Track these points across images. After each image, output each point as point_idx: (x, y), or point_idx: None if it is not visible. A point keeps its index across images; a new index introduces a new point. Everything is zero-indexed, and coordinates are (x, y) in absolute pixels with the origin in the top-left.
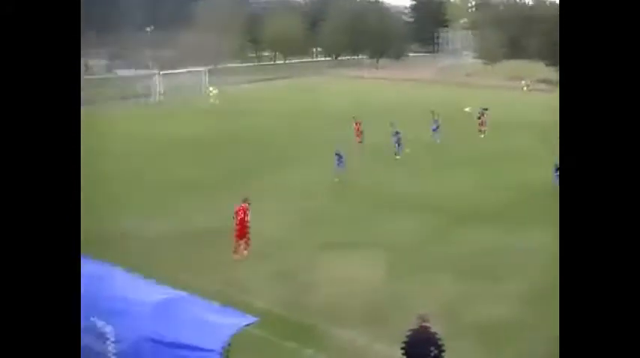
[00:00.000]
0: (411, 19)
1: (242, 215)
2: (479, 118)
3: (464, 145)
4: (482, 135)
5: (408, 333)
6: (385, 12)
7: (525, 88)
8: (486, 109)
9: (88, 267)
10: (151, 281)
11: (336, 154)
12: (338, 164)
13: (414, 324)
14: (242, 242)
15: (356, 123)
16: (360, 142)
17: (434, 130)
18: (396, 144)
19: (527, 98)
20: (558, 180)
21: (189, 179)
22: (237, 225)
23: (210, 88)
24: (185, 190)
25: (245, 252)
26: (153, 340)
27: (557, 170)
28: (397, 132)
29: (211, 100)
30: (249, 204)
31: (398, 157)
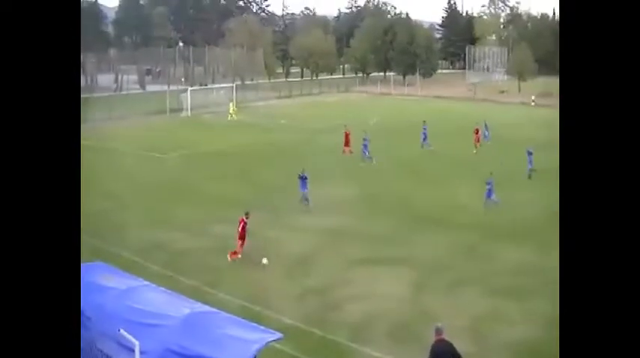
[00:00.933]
0: (441, 36)
1: (242, 224)
2: (476, 133)
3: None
4: (475, 150)
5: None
6: (415, 28)
7: (533, 104)
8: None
9: (116, 279)
10: (179, 295)
11: (300, 177)
12: (302, 188)
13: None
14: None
15: (345, 133)
16: (351, 152)
17: (424, 140)
18: (364, 153)
19: (534, 113)
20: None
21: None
22: (239, 232)
23: (230, 104)
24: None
25: (239, 256)
26: (178, 353)
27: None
28: (365, 139)
29: (229, 117)
30: (247, 216)
31: (362, 164)
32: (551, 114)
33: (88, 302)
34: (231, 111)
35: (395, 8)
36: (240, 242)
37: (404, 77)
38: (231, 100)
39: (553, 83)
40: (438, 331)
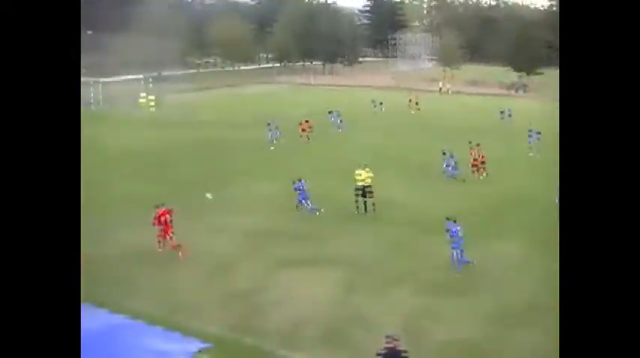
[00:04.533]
0: (365, 22)
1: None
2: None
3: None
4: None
5: (379, 355)
6: (337, 14)
7: (440, 91)
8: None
9: None
10: (89, 305)
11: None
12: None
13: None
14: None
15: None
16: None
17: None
18: (269, 135)
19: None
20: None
21: (132, 193)
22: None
23: (142, 94)
24: (127, 205)
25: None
26: None
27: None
28: (269, 124)
29: (144, 108)
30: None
31: (272, 148)
32: (465, 100)
33: None
34: (143, 102)
35: None
36: (169, 234)
37: (324, 66)
38: (144, 92)
39: (481, 71)
40: (390, 338)
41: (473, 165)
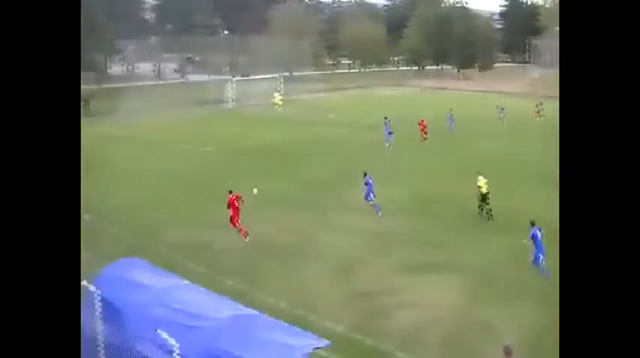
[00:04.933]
0: (501, 27)
1: (236, 203)
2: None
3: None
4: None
5: None
6: (472, 18)
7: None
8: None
9: (154, 277)
10: (219, 295)
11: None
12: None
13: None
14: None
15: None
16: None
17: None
18: (386, 135)
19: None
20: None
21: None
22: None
23: (275, 94)
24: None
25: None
26: (218, 357)
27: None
28: (385, 123)
29: (277, 107)
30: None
31: (388, 145)
32: None
33: (124, 299)
34: (276, 101)
35: None
36: (237, 220)
37: (458, 70)
38: (277, 91)
39: None
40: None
41: None
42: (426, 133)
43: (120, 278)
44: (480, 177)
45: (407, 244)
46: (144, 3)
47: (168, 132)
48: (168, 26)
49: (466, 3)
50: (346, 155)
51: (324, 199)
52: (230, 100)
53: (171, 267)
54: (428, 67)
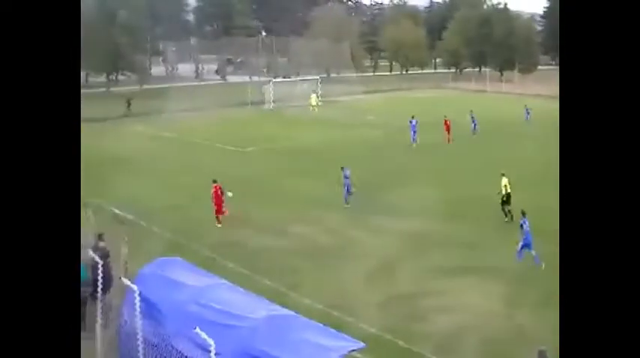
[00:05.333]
0: (542, 28)
1: (218, 193)
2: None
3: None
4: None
5: None
6: (514, 20)
7: None
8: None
9: (193, 276)
10: (256, 295)
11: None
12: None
13: None
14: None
15: (446, 120)
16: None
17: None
18: (412, 135)
19: None
20: None
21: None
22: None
23: (312, 95)
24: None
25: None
26: (254, 357)
27: None
28: (410, 121)
29: (311, 109)
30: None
31: (414, 145)
32: None
33: (163, 297)
34: (312, 103)
35: None
36: (217, 207)
37: (501, 73)
38: (314, 92)
39: None
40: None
41: None
42: (450, 134)
43: (159, 277)
44: (504, 179)
45: (442, 246)
46: (186, 5)
47: (210, 133)
48: (208, 28)
49: (507, 4)
50: (381, 156)
51: (359, 200)
52: (270, 101)
53: (209, 266)
54: (467, 69)
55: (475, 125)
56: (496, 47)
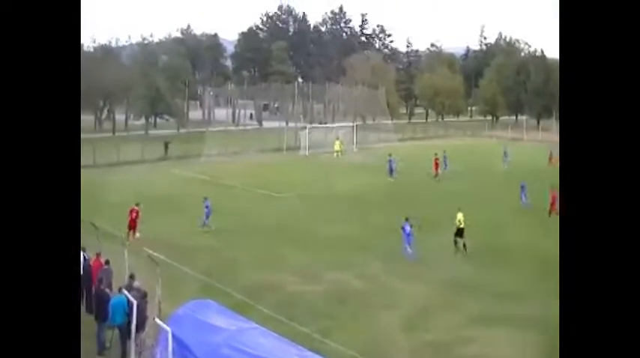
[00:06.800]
0: None
1: (134, 214)
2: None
3: None
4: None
5: None
6: (551, 67)
7: None
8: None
9: (226, 320)
10: (288, 341)
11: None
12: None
13: None
14: (131, 232)
15: (435, 159)
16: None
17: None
18: (390, 170)
19: None
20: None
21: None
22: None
23: (336, 142)
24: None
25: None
26: None
27: None
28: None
29: (335, 154)
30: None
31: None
32: None
33: (197, 340)
34: (337, 148)
35: (529, 46)
36: (132, 230)
37: (538, 121)
38: (337, 139)
39: None
40: None
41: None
42: (437, 170)
43: (193, 319)
44: (459, 214)
45: (475, 294)
46: (224, 50)
47: (244, 177)
48: (246, 73)
49: (544, 51)
50: (414, 202)
51: (392, 245)
52: (306, 147)
53: (242, 309)
54: (504, 117)
55: (445, 166)
56: (533, 95)
